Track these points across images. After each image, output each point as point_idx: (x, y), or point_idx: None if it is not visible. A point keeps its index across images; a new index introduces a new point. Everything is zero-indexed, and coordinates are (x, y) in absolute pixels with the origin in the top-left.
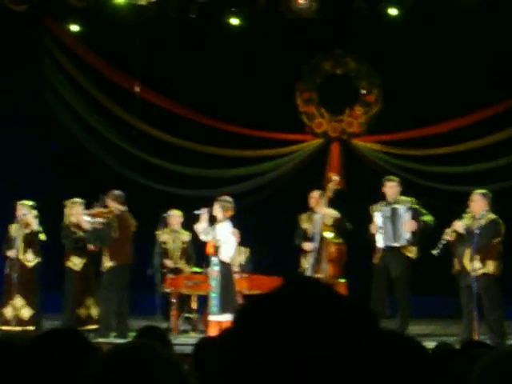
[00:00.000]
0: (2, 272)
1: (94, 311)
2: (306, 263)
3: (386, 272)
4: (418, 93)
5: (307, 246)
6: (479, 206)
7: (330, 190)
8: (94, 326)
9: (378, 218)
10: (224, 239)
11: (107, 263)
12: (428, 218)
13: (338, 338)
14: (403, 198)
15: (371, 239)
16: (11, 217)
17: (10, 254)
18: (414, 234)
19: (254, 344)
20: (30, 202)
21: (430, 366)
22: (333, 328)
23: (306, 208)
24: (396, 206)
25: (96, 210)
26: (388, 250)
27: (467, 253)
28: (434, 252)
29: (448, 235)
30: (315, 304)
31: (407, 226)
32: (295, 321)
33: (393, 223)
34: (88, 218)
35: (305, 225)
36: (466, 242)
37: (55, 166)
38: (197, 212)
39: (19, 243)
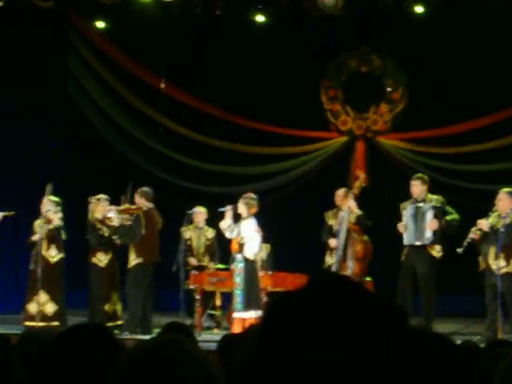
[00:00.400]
0: (26, 268)
1: (119, 307)
2: (331, 260)
3: (411, 270)
4: (443, 91)
5: (332, 242)
6: (505, 204)
7: (356, 188)
8: (120, 322)
9: (405, 215)
10: (248, 236)
11: (133, 260)
12: (453, 217)
13: (369, 336)
14: (432, 196)
15: (399, 237)
16: (36, 212)
17: (35, 238)
18: (435, 233)
19: (281, 342)
20: (56, 198)
21: (462, 364)
22: (363, 326)
23: (332, 205)
24: (420, 204)
25: (124, 206)
26: (413, 248)
27: (492, 251)
28: (459, 250)
29: (473, 233)
30: (345, 301)
31: (428, 225)
32: (324, 318)
33: (415, 222)
34: (116, 214)
35: (331, 221)
36: (491, 241)
37: (80, 162)
38: (221, 209)
39: (42, 239)
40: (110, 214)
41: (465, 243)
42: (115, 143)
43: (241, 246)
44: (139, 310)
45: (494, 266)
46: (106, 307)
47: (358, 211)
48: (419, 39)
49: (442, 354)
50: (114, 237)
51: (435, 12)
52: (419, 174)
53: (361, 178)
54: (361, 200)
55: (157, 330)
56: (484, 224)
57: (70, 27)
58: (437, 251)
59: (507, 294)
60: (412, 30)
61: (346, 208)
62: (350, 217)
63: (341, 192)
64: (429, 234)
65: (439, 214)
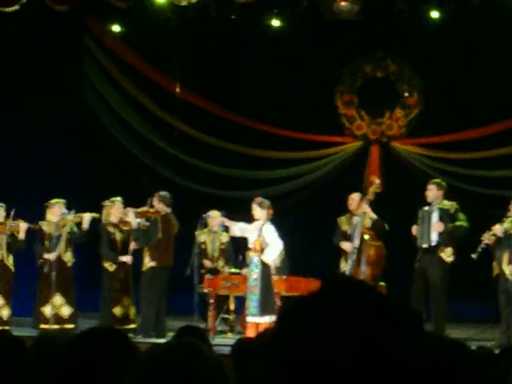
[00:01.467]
0: (35, 270)
1: (133, 311)
2: (345, 265)
3: (424, 275)
4: (458, 96)
5: (346, 245)
6: None
7: (371, 193)
8: (132, 326)
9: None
10: (271, 241)
11: (148, 263)
12: (461, 223)
13: (384, 340)
14: (446, 202)
15: (413, 242)
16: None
17: (50, 256)
18: (440, 235)
19: (296, 346)
20: (63, 200)
21: (476, 369)
22: (378, 330)
23: (345, 210)
24: (426, 207)
25: (142, 209)
26: (424, 252)
27: (506, 257)
28: (474, 256)
29: (487, 239)
30: (359, 305)
31: (434, 227)
32: (338, 322)
33: (423, 224)
34: (134, 216)
35: (344, 227)
36: (505, 246)
37: (94, 166)
38: (222, 228)
39: (62, 242)
40: (128, 218)
41: (479, 249)
42: (130, 147)
43: (261, 250)
44: (152, 314)
45: (507, 272)
46: (117, 311)
47: (373, 216)
48: (435, 44)
49: (457, 359)
50: (132, 240)
51: (451, 17)
52: (436, 180)
53: (375, 183)
54: (375, 205)
55: (171, 334)
56: (498, 229)
57: (86, 31)
58: (447, 255)
59: None
60: (427, 34)
61: (361, 213)
62: (365, 222)
63: (354, 196)
64: (434, 236)
65: (445, 216)
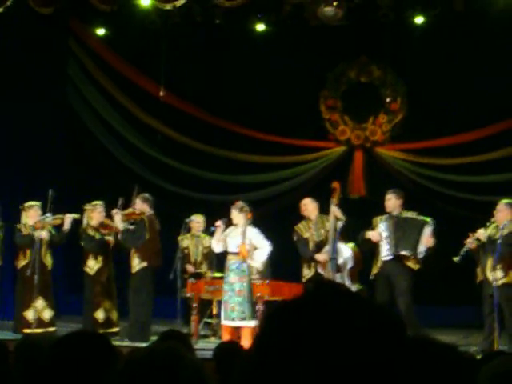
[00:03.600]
0: (12, 272)
1: (115, 314)
2: (309, 273)
3: (387, 282)
4: (442, 102)
5: (321, 256)
6: (504, 215)
7: (337, 199)
8: (115, 329)
9: (383, 229)
10: (259, 243)
11: (138, 265)
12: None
13: (367, 344)
14: (409, 212)
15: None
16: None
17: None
18: (428, 249)
19: (279, 351)
20: (39, 203)
21: (466, 372)
22: (361, 334)
23: (300, 217)
24: (410, 215)
25: (128, 210)
26: (390, 260)
27: (489, 262)
28: (456, 259)
29: (470, 243)
30: (343, 310)
31: (426, 241)
32: (322, 327)
33: (400, 232)
34: (120, 220)
35: (305, 234)
36: (488, 252)
37: (77, 168)
38: (212, 228)
39: (43, 245)
40: (115, 222)
41: (461, 252)
42: (113, 150)
43: (247, 255)
44: (142, 316)
45: (491, 277)
46: (98, 314)
47: (342, 217)
48: (419, 50)
49: (448, 362)
50: (120, 239)
51: (435, 22)
52: (393, 189)
53: (337, 189)
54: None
55: (154, 338)
56: (481, 234)
57: (70, 34)
58: (414, 263)
59: (504, 305)
60: (411, 40)
61: (332, 217)
62: (337, 224)
63: (307, 201)
64: (422, 249)
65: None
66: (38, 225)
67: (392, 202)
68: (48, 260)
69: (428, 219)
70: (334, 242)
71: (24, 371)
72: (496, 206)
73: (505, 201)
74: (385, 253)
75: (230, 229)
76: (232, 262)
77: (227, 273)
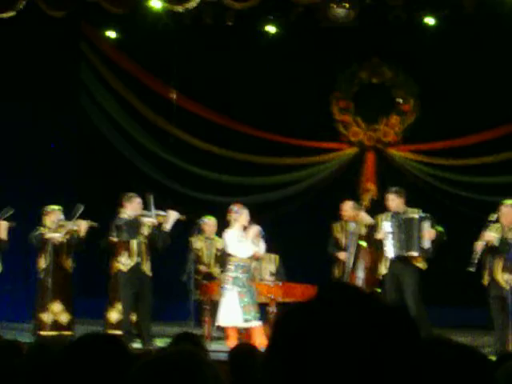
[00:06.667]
0: (32, 277)
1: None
2: (339, 272)
3: (396, 283)
4: (454, 102)
5: (342, 255)
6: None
7: (366, 200)
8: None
9: (386, 227)
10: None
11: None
12: (440, 228)
13: (382, 346)
14: (411, 209)
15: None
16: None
17: (45, 263)
18: (432, 242)
19: (293, 354)
20: (59, 207)
21: (487, 372)
22: (375, 336)
23: (339, 217)
24: (410, 215)
25: (159, 217)
26: (398, 260)
27: (499, 264)
28: (471, 269)
29: (480, 248)
30: (356, 312)
31: (427, 235)
32: (336, 329)
33: (404, 232)
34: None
35: (337, 234)
36: (502, 253)
37: (88, 170)
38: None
39: (63, 249)
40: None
41: (473, 260)
42: (125, 153)
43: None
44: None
45: (502, 280)
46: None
47: (371, 221)
48: (430, 51)
49: (462, 363)
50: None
51: (446, 24)
52: (394, 188)
53: (371, 190)
54: (370, 212)
55: (162, 340)
56: (492, 237)
57: (82, 37)
58: (421, 263)
59: None
60: (423, 41)
61: (357, 220)
62: (361, 228)
63: (347, 206)
64: (427, 244)
65: (433, 223)
66: (61, 229)
67: (395, 202)
68: (68, 264)
69: (423, 214)
70: (353, 244)
71: (34, 373)
72: (501, 207)
73: (509, 202)
74: (391, 252)
75: (240, 232)
76: (246, 263)
77: (236, 274)
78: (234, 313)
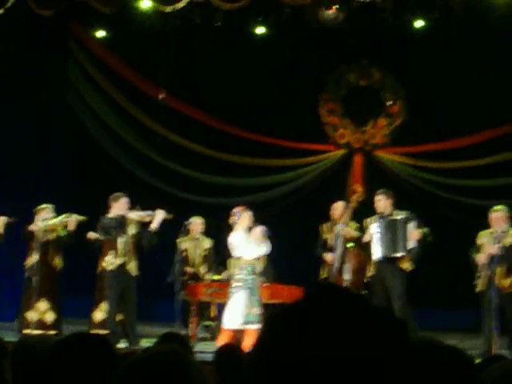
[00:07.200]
0: (17, 276)
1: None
2: (325, 273)
3: (382, 284)
4: (442, 105)
5: (328, 256)
6: (504, 222)
7: (354, 201)
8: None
9: (374, 229)
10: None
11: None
12: (425, 230)
13: (369, 347)
14: (399, 211)
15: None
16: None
17: (31, 261)
18: (418, 242)
19: (281, 355)
20: (51, 205)
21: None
22: (363, 337)
23: (328, 218)
24: (395, 216)
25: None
26: (384, 261)
27: (501, 269)
28: (479, 289)
29: (483, 259)
30: (344, 313)
31: (412, 235)
32: (324, 331)
33: (391, 233)
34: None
35: (325, 235)
36: (501, 259)
37: (75, 169)
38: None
39: (50, 247)
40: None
41: (480, 273)
42: (112, 152)
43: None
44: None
45: (502, 284)
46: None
47: (356, 234)
48: (419, 53)
49: (448, 364)
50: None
51: (435, 26)
52: (382, 189)
53: (358, 191)
54: (357, 214)
55: (152, 341)
56: (495, 248)
57: (71, 36)
58: (407, 264)
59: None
60: (411, 43)
61: (344, 221)
62: (349, 231)
63: (338, 205)
64: (412, 245)
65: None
66: (49, 227)
67: (382, 202)
68: (56, 262)
69: (409, 215)
70: (340, 245)
71: (19, 373)
72: (493, 214)
73: (499, 207)
74: (377, 254)
75: (244, 234)
76: (248, 265)
77: (244, 276)
78: (240, 315)
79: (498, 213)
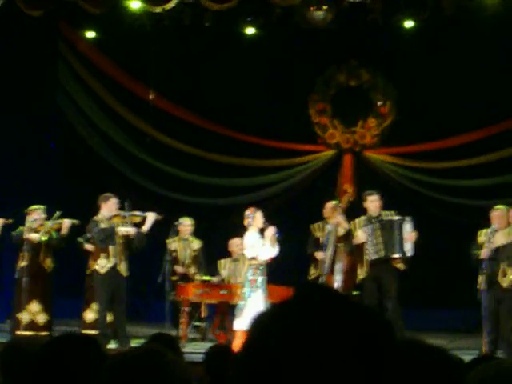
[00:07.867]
0: (9, 277)
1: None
2: (315, 272)
3: (375, 284)
4: (432, 105)
5: (319, 255)
6: (505, 220)
7: (344, 202)
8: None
9: (367, 230)
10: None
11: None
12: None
13: (357, 347)
14: (386, 212)
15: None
16: (21, 222)
17: (23, 263)
18: (415, 246)
19: (268, 355)
20: (43, 207)
21: (458, 374)
22: (350, 337)
23: (318, 218)
24: (390, 217)
25: (135, 217)
26: (378, 262)
27: (502, 267)
28: (479, 296)
29: (486, 254)
30: (332, 313)
31: (410, 237)
32: (311, 331)
33: (387, 234)
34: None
35: (317, 233)
36: (500, 256)
37: (65, 170)
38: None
39: (41, 248)
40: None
41: (484, 270)
42: (103, 153)
43: None
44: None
45: (504, 282)
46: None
47: (346, 225)
48: (408, 53)
49: (438, 365)
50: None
51: (424, 26)
52: (373, 190)
53: (349, 192)
54: (347, 214)
55: (141, 341)
56: (504, 240)
57: (60, 37)
58: (400, 264)
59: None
60: (401, 44)
61: (334, 221)
62: (338, 231)
63: (329, 205)
64: (408, 246)
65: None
66: (41, 228)
67: (377, 203)
68: (48, 263)
69: (406, 216)
70: (331, 245)
71: (8, 374)
72: (494, 212)
73: (500, 207)
74: (371, 255)
75: (258, 234)
76: (262, 266)
77: (258, 277)
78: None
79: (498, 211)
